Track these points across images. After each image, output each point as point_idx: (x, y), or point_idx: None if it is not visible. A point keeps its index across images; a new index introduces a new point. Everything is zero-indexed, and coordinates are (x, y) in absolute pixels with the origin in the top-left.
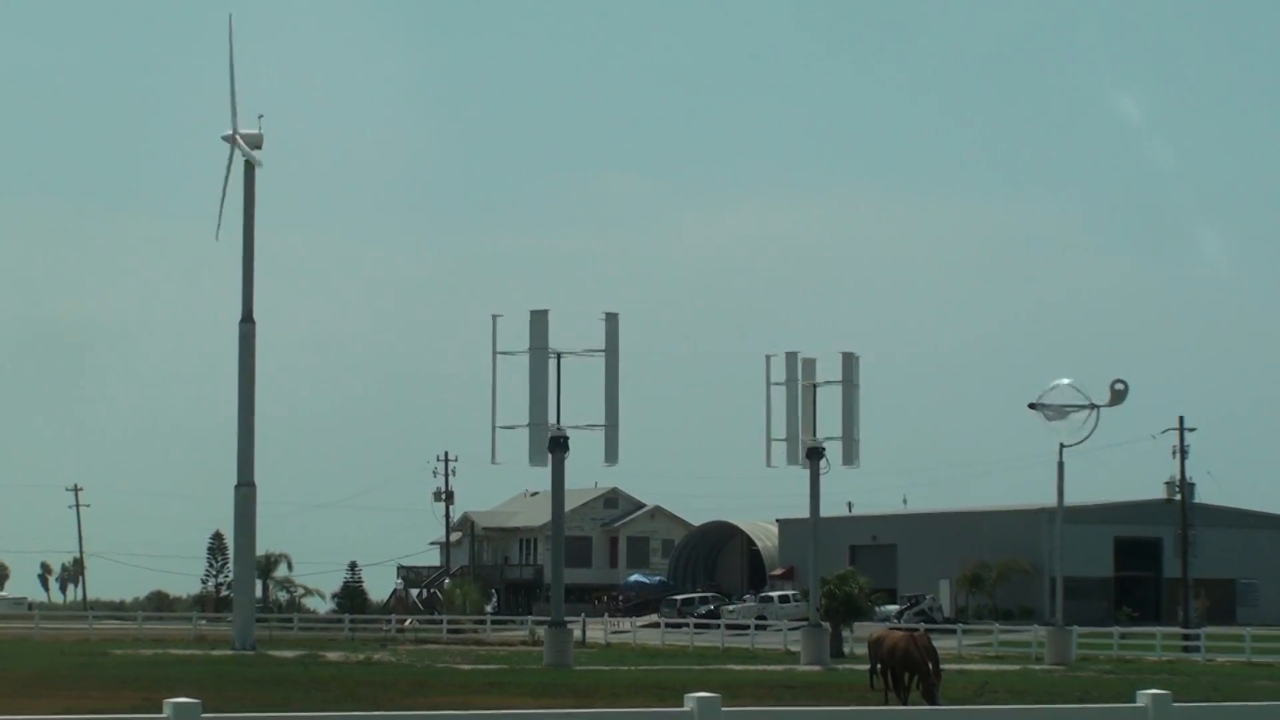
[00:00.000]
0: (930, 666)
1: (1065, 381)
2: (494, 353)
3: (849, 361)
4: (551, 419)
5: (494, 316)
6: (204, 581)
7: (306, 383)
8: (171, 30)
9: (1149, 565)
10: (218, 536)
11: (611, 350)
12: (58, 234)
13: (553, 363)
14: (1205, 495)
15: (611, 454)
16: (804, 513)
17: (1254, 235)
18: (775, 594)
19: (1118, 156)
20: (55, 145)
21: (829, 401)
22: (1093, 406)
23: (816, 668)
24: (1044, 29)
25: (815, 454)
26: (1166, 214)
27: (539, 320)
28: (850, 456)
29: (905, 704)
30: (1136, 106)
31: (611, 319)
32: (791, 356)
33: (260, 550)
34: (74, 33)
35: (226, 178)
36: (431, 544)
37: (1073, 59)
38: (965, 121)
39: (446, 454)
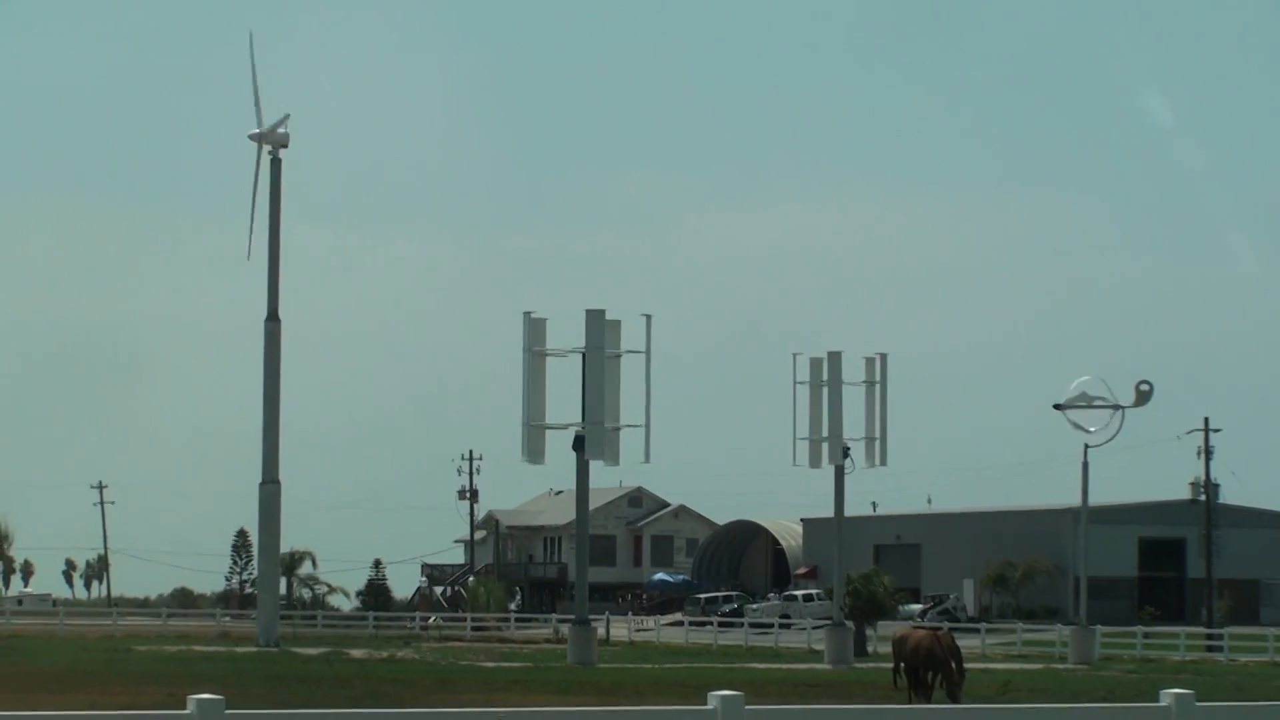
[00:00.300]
0: (954, 666)
1: (1090, 382)
2: (524, 350)
3: (880, 362)
4: (564, 418)
5: (525, 314)
6: (228, 579)
7: (331, 381)
8: (199, 29)
9: (1173, 565)
10: (242, 534)
11: (646, 351)
12: (83, 233)
13: (558, 362)
14: (1229, 496)
15: (645, 453)
16: (828, 512)
17: None
18: (799, 593)
19: (1147, 157)
20: (81, 145)
21: (854, 401)
22: (1118, 407)
23: (840, 666)
24: (1075, 30)
25: (841, 453)
26: (1194, 215)
27: (595, 319)
28: (879, 457)
29: (929, 703)
30: (1166, 108)
31: (646, 320)
32: (834, 356)
33: (285, 548)
34: (100, 31)
35: (255, 181)
36: (456, 542)
37: (1103, 60)
38: (992, 121)
39: (471, 452)
